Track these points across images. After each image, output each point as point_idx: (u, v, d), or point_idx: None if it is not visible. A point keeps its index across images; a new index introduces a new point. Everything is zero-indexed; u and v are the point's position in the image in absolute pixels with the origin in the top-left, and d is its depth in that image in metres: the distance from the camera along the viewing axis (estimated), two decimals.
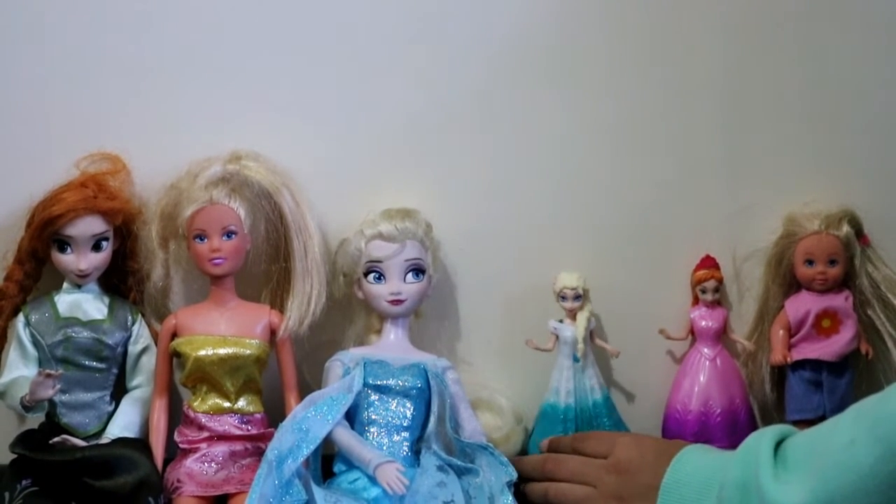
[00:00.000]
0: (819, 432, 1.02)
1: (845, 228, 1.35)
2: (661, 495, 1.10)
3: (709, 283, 1.38)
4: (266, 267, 1.32)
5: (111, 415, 1.27)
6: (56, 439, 1.22)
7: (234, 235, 1.26)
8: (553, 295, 1.36)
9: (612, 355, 1.39)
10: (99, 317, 1.27)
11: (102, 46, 1.31)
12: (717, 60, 1.38)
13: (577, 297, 1.35)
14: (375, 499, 1.17)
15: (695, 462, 1.11)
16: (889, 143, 1.40)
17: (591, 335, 1.37)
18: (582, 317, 1.36)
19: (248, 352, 1.25)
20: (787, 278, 1.38)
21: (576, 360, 1.35)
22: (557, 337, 1.37)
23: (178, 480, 1.21)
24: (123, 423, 1.26)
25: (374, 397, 1.25)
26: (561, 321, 1.37)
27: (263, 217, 1.30)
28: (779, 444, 1.04)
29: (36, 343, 1.25)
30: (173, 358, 1.27)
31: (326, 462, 1.24)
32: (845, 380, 1.37)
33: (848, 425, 0.98)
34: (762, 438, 1.04)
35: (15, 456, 1.21)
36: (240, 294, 1.29)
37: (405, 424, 1.24)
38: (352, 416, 1.24)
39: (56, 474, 1.19)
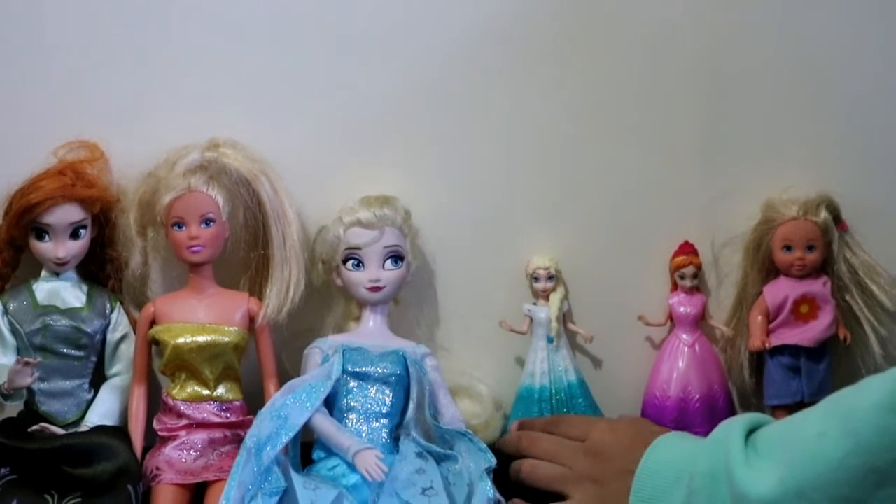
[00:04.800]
0: (791, 423, 1.02)
1: (823, 214, 1.36)
2: (634, 484, 1.10)
3: (687, 269, 1.38)
4: (244, 254, 1.32)
5: (90, 403, 1.26)
6: (35, 427, 1.22)
7: (212, 223, 1.26)
8: (527, 278, 1.37)
9: (586, 340, 1.40)
10: (77, 305, 1.27)
11: (80, 34, 1.30)
12: (694, 46, 1.38)
13: (549, 278, 1.36)
14: (354, 485, 1.17)
15: (668, 451, 1.11)
16: (867, 129, 1.40)
17: (564, 318, 1.38)
18: (555, 297, 1.37)
19: (226, 339, 1.24)
20: (765, 264, 1.39)
21: (549, 340, 1.36)
22: (531, 319, 1.37)
23: (157, 468, 1.21)
24: (102, 411, 1.26)
25: (352, 384, 1.25)
26: (535, 303, 1.37)
27: (242, 204, 1.29)
28: (751, 433, 1.04)
29: (14, 331, 1.24)
30: (152, 346, 1.27)
31: (305, 449, 1.24)
32: (823, 365, 1.37)
33: (819, 417, 0.98)
34: (732, 428, 1.05)
35: None
36: (218, 281, 1.29)
37: (384, 411, 1.24)
38: (331, 404, 1.24)
39: (35, 462, 1.18)
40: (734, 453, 1.01)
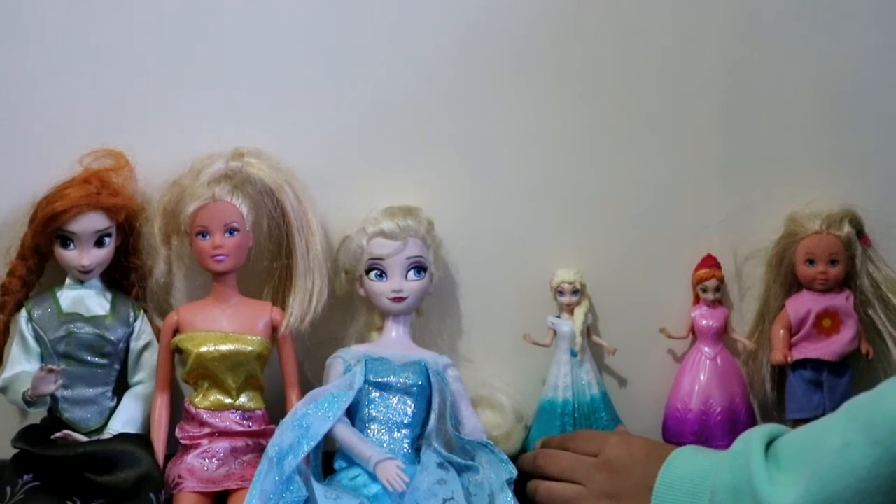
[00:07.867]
0: (811, 431, 1.02)
1: (846, 228, 1.35)
2: (653, 499, 1.10)
3: (710, 282, 1.38)
4: (268, 264, 1.33)
5: (113, 410, 1.27)
6: (58, 434, 1.22)
7: (236, 232, 1.26)
8: (551, 291, 1.37)
9: (609, 353, 1.39)
10: (101, 313, 1.27)
11: (106, 43, 1.31)
12: (719, 60, 1.38)
13: (574, 292, 1.36)
14: (376, 496, 1.17)
15: (686, 465, 1.11)
16: (890, 143, 1.40)
17: (588, 331, 1.38)
18: (579, 311, 1.36)
19: (249, 348, 1.25)
20: (788, 278, 1.38)
21: (573, 354, 1.36)
22: (555, 332, 1.37)
23: (179, 476, 1.22)
24: (125, 419, 1.26)
25: (374, 394, 1.25)
26: (559, 316, 1.37)
27: (266, 214, 1.30)
28: (770, 444, 1.04)
29: (38, 338, 1.25)
30: (175, 354, 1.27)
31: (327, 459, 1.24)
32: (845, 379, 1.37)
33: (841, 426, 0.98)
34: (752, 440, 1.05)
35: (17, 451, 1.21)
36: (242, 291, 1.29)
37: (406, 422, 1.25)
38: (353, 414, 1.24)
39: (57, 469, 1.19)
40: (756, 468, 1.01)
